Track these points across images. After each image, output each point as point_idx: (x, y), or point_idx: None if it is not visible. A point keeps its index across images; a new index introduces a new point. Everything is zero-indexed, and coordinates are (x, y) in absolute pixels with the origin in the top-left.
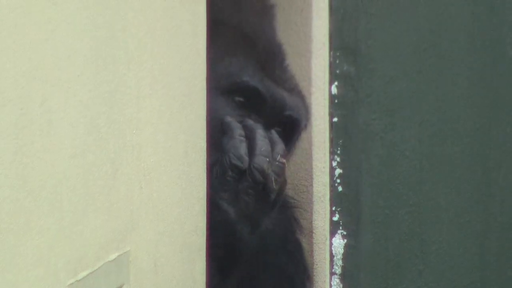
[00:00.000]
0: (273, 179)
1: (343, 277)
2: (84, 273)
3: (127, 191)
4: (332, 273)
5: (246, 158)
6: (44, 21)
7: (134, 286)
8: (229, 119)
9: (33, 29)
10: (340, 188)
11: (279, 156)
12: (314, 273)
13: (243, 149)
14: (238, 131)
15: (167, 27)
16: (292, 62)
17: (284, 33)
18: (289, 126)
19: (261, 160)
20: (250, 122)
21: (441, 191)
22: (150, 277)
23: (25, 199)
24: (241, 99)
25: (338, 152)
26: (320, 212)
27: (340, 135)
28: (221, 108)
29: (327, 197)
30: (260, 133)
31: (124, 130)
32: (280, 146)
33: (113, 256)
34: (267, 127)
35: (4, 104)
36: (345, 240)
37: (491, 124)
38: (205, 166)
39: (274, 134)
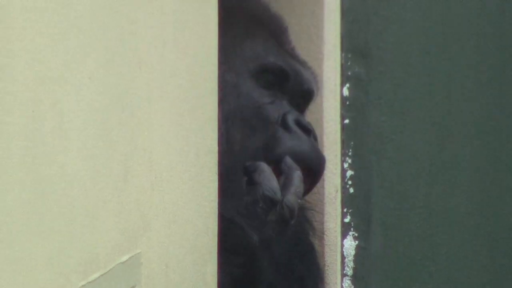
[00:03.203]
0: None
1: (355, 278)
2: (96, 275)
3: (138, 193)
4: (343, 275)
5: (279, 191)
6: (55, 24)
7: (145, 287)
8: (260, 164)
9: (44, 32)
10: (351, 190)
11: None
12: (326, 275)
13: (275, 181)
14: (269, 171)
15: (177, 30)
16: None
17: (296, 36)
18: (306, 99)
19: (293, 200)
20: (289, 160)
21: (451, 193)
22: (161, 279)
23: (36, 201)
24: (269, 79)
25: (350, 153)
26: (332, 214)
27: (351, 137)
28: (253, 90)
29: (339, 199)
30: (298, 174)
31: (135, 133)
32: (300, 190)
33: (124, 258)
34: (291, 102)
35: (16, 107)
36: (356, 242)
37: (502, 125)
38: (216, 168)
39: (300, 174)
